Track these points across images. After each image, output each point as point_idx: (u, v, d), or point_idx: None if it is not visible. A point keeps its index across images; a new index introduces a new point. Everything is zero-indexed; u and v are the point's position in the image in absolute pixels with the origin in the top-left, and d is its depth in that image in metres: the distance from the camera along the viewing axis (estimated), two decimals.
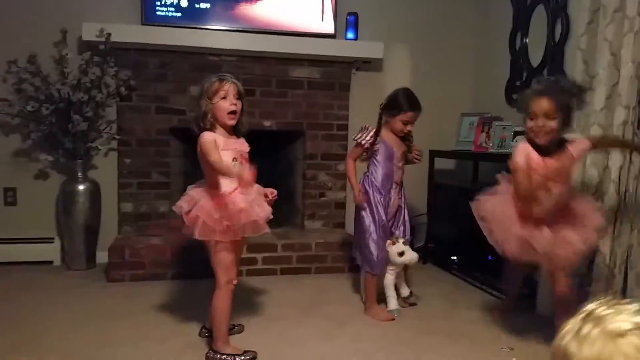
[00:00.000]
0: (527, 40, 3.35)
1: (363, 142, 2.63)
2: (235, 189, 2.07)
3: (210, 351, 2.12)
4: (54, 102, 3.08)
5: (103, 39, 3.07)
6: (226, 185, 2.08)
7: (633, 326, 0.58)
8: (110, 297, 2.79)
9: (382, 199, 2.63)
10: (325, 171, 3.70)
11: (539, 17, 3.21)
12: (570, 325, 0.65)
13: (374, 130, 2.63)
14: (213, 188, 2.09)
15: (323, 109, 3.64)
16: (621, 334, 0.57)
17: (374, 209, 2.62)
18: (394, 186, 2.66)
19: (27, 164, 3.30)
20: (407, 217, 2.76)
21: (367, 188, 2.64)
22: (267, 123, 3.54)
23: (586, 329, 0.61)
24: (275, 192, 2.22)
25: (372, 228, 2.61)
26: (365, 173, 2.70)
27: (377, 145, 2.62)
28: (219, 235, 2.03)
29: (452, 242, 3.52)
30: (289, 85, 3.57)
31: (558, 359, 0.63)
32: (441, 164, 3.67)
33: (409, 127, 2.61)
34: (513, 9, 3.46)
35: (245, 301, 2.77)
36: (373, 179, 2.65)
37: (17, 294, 2.77)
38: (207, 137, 2.04)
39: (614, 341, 0.57)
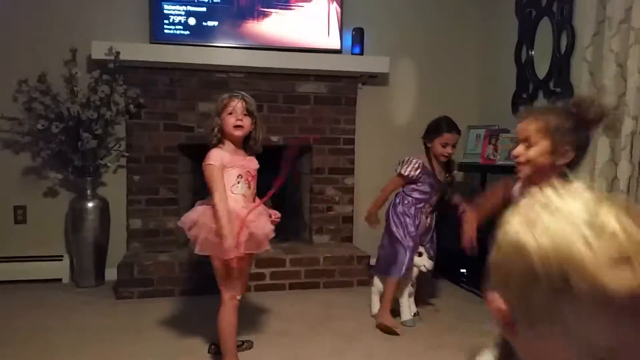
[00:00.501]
0: (533, 52, 3.36)
1: (408, 174, 2.71)
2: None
3: None
4: (64, 120, 3.12)
5: (112, 57, 3.11)
6: (233, 202, 2.11)
7: (588, 213, 0.52)
8: (119, 314, 2.79)
9: (411, 221, 2.72)
10: (333, 185, 3.70)
11: (545, 29, 3.22)
12: (513, 217, 0.58)
13: (420, 162, 2.72)
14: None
15: (330, 123, 3.66)
16: (574, 222, 0.52)
17: (404, 224, 2.71)
18: (426, 208, 2.76)
19: (37, 181, 3.32)
20: (435, 239, 2.86)
21: (396, 212, 2.75)
22: (274, 138, 3.55)
23: (537, 215, 0.55)
24: (279, 215, 2.27)
25: (403, 238, 2.69)
26: (398, 194, 2.79)
27: (422, 177, 2.72)
28: (219, 251, 2.04)
29: (461, 254, 3.49)
30: (295, 101, 3.59)
31: (506, 258, 0.56)
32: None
33: (448, 150, 2.72)
34: (518, 22, 3.48)
35: (254, 317, 2.76)
36: (406, 202, 2.74)
37: (26, 311, 2.78)
38: (213, 158, 2.09)
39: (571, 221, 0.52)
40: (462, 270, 3.41)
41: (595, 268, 0.49)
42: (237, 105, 2.13)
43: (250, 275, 3.19)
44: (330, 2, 3.58)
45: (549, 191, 0.57)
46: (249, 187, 2.19)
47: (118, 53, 3.11)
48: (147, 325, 2.62)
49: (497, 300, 0.57)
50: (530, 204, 0.57)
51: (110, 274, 3.23)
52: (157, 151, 3.39)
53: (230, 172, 2.13)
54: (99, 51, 3.13)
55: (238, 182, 2.14)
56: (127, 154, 3.35)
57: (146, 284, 3.07)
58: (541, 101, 3.26)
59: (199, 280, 3.11)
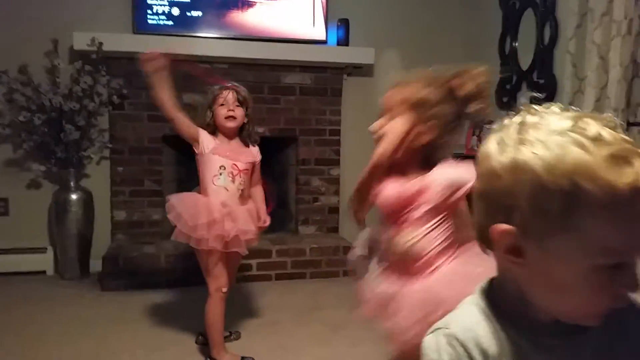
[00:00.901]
0: (517, 43, 3.39)
1: None
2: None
3: (208, 358, 2.13)
4: (46, 111, 3.07)
5: (95, 48, 3.06)
6: (214, 194, 2.09)
7: (572, 122, 0.56)
8: (105, 306, 2.78)
9: None
10: (319, 176, 3.71)
11: (528, 20, 3.25)
12: (495, 144, 0.59)
13: None
14: (202, 193, 2.13)
15: (315, 114, 3.66)
16: (563, 132, 0.55)
17: None
18: None
19: (19, 173, 3.28)
20: None
21: None
22: (259, 129, 3.54)
23: (527, 133, 0.57)
24: (268, 222, 2.25)
25: None
26: None
27: None
28: (194, 243, 2.04)
29: None
30: (281, 92, 3.58)
31: (508, 181, 0.56)
32: None
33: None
34: (502, 13, 3.50)
35: (241, 308, 2.77)
36: None
37: (11, 304, 2.75)
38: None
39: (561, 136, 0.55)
40: None
41: (599, 169, 0.52)
42: (228, 96, 2.11)
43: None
44: None
45: (527, 114, 0.60)
46: (233, 182, 2.13)
47: (101, 44, 3.07)
48: (133, 317, 2.61)
49: (501, 227, 0.58)
50: (509, 128, 0.60)
51: (95, 265, 3.21)
52: (141, 142, 3.36)
53: (212, 159, 2.10)
54: (81, 42, 3.08)
55: (220, 174, 2.10)
56: (110, 146, 3.32)
57: (132, 276, 3.06)
58: (524, 92, 3.30)
59: (185, 272, 3.10)
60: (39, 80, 3.10)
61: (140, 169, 3.37)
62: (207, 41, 3.36)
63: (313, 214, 3.71)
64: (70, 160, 3.20)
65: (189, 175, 3.81)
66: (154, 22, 3.31)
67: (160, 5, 3.31)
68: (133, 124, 3.33)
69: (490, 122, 3.18)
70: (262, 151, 3.75)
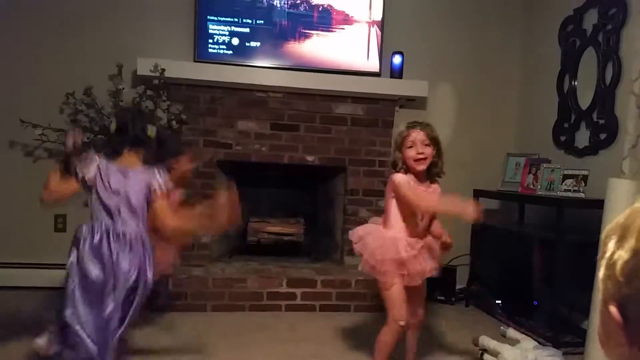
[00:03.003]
0: (576, 82, 3.31)
1: None
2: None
3: None
4: (108, 133, 3.19)
5: (157, 74, 3.18)
6: (397, 228, 2.13)
7: None
8: (153, 326, 2.81)
9: None
10: (366, 207, 3.69)
11: (589, 58, 3.18)
12: None
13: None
14: (385, 226, 2.17)
15: (365, 145, 3.66)
16: None
17: None
18: None
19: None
20: None
21: None
22: (309, 158, 3.58)
23: None
24: (449, 240, 2.21)
25: None
26: None
27: None
28: (380, 276, 2.10)
29: (497, 284, 3.44)
30: (332, 122, 3.60)
31: None
32: (485, 204, 3.62)
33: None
34: (561, 50, 3.44)
35: (284, 338, 2.76)
36: None
37: None
38: (400, 177, 2.12)
39: None
40: (497, 301, 3.34)
41: None
42: (417, 137, 2.11)
43: (281, 294, 3.22)
44: (371, 25, 3.61)
45: None
46: (422, 219, 2.17)
47: (163, 70, 3.18)
48: (181, 339, 2.63)
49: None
50: None
51: None
52: (196, 167, 3.43)
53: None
54: (144, 67, 3.21)
55: (415, 212, 2.13)
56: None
57: (179, 298, 3.10)
58: (583, 132, 3.21)
59: (230, 297, 3.13)
60: (102, 102, 3.23)
61: (194, 193, 3.43)
62: (263, 71, 3.43)
63: None
64: None
65: (242, 198, 3.88)
66: (214, 50, 3.42)
67: (221, 35, 3.42)
68: (189, 149, 3.41)
69: (548, 161, 3.12)
70: (312, 180, 3.79)
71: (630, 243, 0.54)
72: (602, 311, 0.59)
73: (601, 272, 0.58)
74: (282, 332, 2.86)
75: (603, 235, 0.60)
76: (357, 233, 2.21)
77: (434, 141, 2.13)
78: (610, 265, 0.56)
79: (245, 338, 2.72)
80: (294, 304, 3.24)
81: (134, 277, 1.78)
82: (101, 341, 1.73)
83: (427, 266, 2.14)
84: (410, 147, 2.10)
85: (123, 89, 3.25)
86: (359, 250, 2.16)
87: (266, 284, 3.22)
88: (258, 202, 3.96)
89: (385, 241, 2.11)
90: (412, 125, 2.15)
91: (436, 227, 2.25)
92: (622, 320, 0.54)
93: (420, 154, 2.09)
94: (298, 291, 3.26)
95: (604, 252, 0.57)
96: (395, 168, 2.15)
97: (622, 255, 0.54)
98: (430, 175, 2.17)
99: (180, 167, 2.39)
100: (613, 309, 0.55)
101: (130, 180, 1.88)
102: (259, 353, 2.53)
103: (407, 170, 2.14)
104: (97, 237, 1.80)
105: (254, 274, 3.29)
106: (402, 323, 2.10)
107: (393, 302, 2.11)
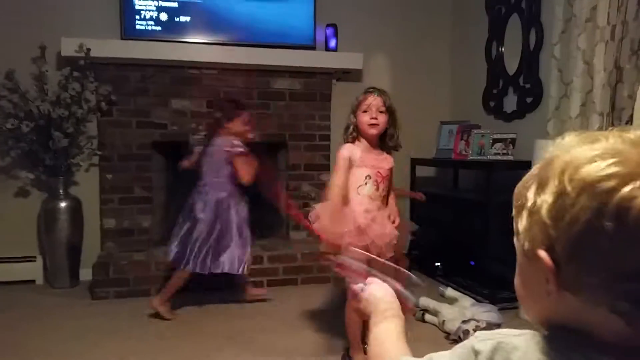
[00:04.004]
0: (503, 49, 3.43)
1: None
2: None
3: (347, 357, 2.19)
4: (34, 119, 3.05)
5: (82, 54, 3.05)
6: (358, 202, 2.11)
7: None
8: (96, 314, 2.76)
9: None
10: (308, 181, 3.71)
11: (514, 26, 3.29)
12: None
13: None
14: (344, 203, 2.13)
15: (304, 119, 3.66)
16: None
17: None
18: None
19: (7, 182, 3.25)
20: None
21: None
22: (249, 135, 3.54)
23: None
24: (398, 221, 2.21)
25: None
26: None
27: None
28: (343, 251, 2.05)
29: (436, 248, 3.57)
30: (270, 97, 3.58)
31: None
32: (422, 171, 3.73)
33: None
34: (488, 18, 3.54)
35: (233, 315, 2.77)
36: None
37: (0, 313, 2.73)
38: (343, 152, 2.12)
39: None
40: (437, 264, 3.48)
41: None
42: (373, 102, 2.10)
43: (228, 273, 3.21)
44: None
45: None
46: (377, 189, 2.15)
47: (89, 50, 3.05)
48: (124, 325, 2.60)
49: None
50: None
51: (85, 274, 3.20)
52: (130, 149, 3.34)
53: (359, 171, 2.11)
54: (69, 48, 3.06)
55: (366, 183, 2.12)
56: (99, 153, 3.30)
57: (122, 284, 3.04)
58: (511, 97, 3.34)
59: None
60: (26, 87, 3.08)
61: (130, 176, 3.35)
62: (195, 47, 3.35)
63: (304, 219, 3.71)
64: (58, 168, 3.18)
65: (178, 182, 3.81)
66: (142, 27, 3.30)
67: (148, 10, 3.30)
68: (122, 131, 3.31)
69: (479, 127, 3.23)
70: (253, 157, 3.76)
71: (552, 187, 0.55)
72: (522, 264, 0.61)
73: (523, 223, 0.59)
74: (229, 309, 2.86)
75: (515, 192, 0.62)
76: (314, 212, 2.19)
77: (389, 110, 2.14)
78: (534, 211, 0.57)
79: (190, 317, 2.71)
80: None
81: None
82: None
83: (387, 229, 2.13)
84: (365, 111, 2.11)
85: (47, 71, 3.12)
86: (318, 229, 2.12)
87: None
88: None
89: (341, 215, 2.10)
90: (369, 91, 2.15)
91: (392, 198, 2.28)
92: (553, 264, 0.55)
93: (373, 118, 2.10)
94: None
95: (523, 204, 0.59)
96: (346, 132, 2.17)
97: (546, 199, 0.55)
98: (384, 146, 2.18)
99: (236, 128, 2.78)
100: (543, 254, 0.55)
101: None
102: (206, 331, 2.53)
103: (357, 136, 2.14)
104: None
105: None
106: None
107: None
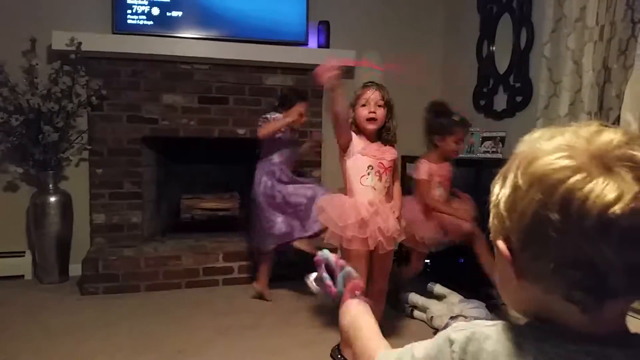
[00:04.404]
0: (494, 48, 3.45)
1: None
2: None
3: (337, 350, 2.19)
4: (24, 112, 3.03)
5: (73, 48, 3.03)
6: (361, 194, 2.11)
7: None
8: (85, 310, 2.75)
9: None
10: (301, 178, 3.71)
11: (505, 25, 3.31)
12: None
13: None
14: (347, 193, 2.15)
15: None
16: None
17: None
18: None
19: None
20: None
21: None
22: (240, 131, 3.55)
23: None
24: (398, 213, 2.21)
25: None
26: None
27: None
28: (346, 244, 2.06)
29: None
30: (262, 93, 3.58)
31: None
32: (413, 169, 3.73)
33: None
34: (480, 17, 3.56)
35: (223, 311, 2.78)
36: None
37: None
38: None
39: None
40: (426, 261, 3.49)
41: None
42: (371, 96, 2.10)
43: (219, 269, 3.22)
44: None
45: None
46: (380, 180, 2.14)
47: (80, 43, 3.04)
48: (113, 320, 2.59)
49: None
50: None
51: (75, 269, 3.18)
52: (120, 144, 3.33)
53: (361, 160, 2.11)
54: (59, 41, 3.05)
55: (368, 173, 2.11)
56: (89, 147, 3.28)
57: (111, 280, 3.03)
58: (501, 95, 3.36)
59: (165, 275, 3.10)
60: (16, 80, 3.06)
61: (120, 171, 3.34)
62: (187, 42, 3.34)
63: None
64: (48, 162, 3.16)
65: (168, 177, 3.81)
66: (134, 22, 3.28)
67: (140, 5, 3.29)
68: (112, 125, 3.30)
69: (470, 125, 3.24)
70: (245, 153, 3.77)
71: (509, 181, 0.58)
72: (495, 257, 0.63)
73: (490, 217, 0.62)
74: (219, 305, 2.87)
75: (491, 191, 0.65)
76: (318, 206, 2.19)
77: (388, 104, 2.16)
78: (496, 204, 0.60)
79: (180, 313, 2.71)
80: (231, 278, 3.25)
81: None
82: None
83: (390, 224, 2.12)
84: (364, 105, 2.12)
85: (37, 65, 3.10)
86: (322, 222, 2.15)
87: (202, 260, 3.21)
88: (190, 178, 3.89)
89: (345, 207, 2.10)
90: (368, 85, 2.16)
91: (397, 191, 2.29)
92: (510, 254, 0.58)
93: (372, 112, 2.11)
94: (235, 265, 3.27)
95: (491, 199, 0.62)
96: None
97: (505, 192, 0.59)
98: (381, 139, 2.19)
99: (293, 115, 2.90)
100: (500, 244, 0.59)
101: None
102: (196, 326, 2.54)
103: (356, 130, 2.15)
104: None
105: (188, 250, 3.25)
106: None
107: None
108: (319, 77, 1.95)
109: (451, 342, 0.63)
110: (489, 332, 0.61)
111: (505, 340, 0.59)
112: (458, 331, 0.64)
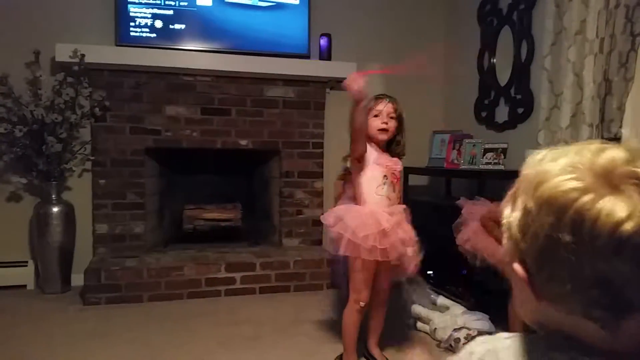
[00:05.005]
0: (495, 60, 3.47)
1: None
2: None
3: None
4: (27, 123, 3.05)
5: (77, 60, 3.06)
6: (377, 204, 2.11)
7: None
8: (87, 320, 2.75)
9: None
10: (302, 189, 3.73)
11: (506, 37, 3.34)
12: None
13: None
14: (358, 203, 2.13)
15: (298, 127, 3.69)
16: None
17: None
18: None
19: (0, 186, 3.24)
20: None
21: None
22: (243, 142, 3.56)
23: None
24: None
25: None
26: None
27: None
28: (365, 254, 2.05)
29: (429, 256, 3.58)
30: (264, 105, 3.60)
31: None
32: (415, 180, 3.75)
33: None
34: (480, 30, 3.59)
35: (224, 321, 2.77)
36: None
37: None
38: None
39: None
40: (428, 272, 3.49)
41: None
42: (384, 108, 2.13)
43: (221, 279, 3.21)
44: (299, 8, 3.61)
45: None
46: (394, 190, 2.16)
47: (83, 55, 3.07)
48: (116, 331, 2.59)
49: None
50: None
51: (77, 279, 3.18)
52: (123, 155, 3.35)
53: (377, 170, 2.12)
54: (63, 53, 3.07)
55: (384, 183, 2.12)
56: (92, 158, 3.30)
57: (114, 290, 3.03)
58: (502, 107, 3.38)
59: (167, 286, 3.10)
60: (20, 91, 3.08)
61: (122, 182, 3.36)
62: (189, 54, 3.37)
63: (297, 227, 3.73)
64: (51, 173, 3.17)
65: (170, 188, 3.82)
66: (137, 34, 3.31)
67: (143, 17, 3.32)
68: (115, 136, 3.32)
69: (471, 137, 3.27)
70: (247, 164, 3.78)
71: (519, 204, 0.60)
72: (510, 276, 0.64)
73: (504, 239, 0.63)
74: (221, 316, 2.86)
75: (500, 210, 0.66)
76: (332, 215, 2.16)
77: (399, 117, 2.18)
78: (508, 227, 0.61)
79: (182, 324, 2.71)
80: (234, 288, 3.25)
81: None
82: None
83: (407, 235, 2.14)
84: (376, 116, 2.14)
85: (41, 76, 3.12)
86: (338, 233, 2.09)
87: (204, 271, 3.21)
88: (193, 189, 3.91)
89: (364, 217, 2.08)
90: (381, 96, 2.19)
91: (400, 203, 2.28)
92: (527, 275, 0.59)
93: (384, 123, 2.13)
94: (237, 275, 3.27)
95: (503, 221, 0.63)
96: None
97: (516, 215, 0.60)
98: (390, 151, 2.21)
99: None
100: (517, 266, 0.60)
101: None
102: (197, 337, 2.53)
103: (367, 140, 2.15)
104: None
105: (191, 261, 3.26)
106: (362, 304, 2.15)
107: (359, 284, 2.13)
108: (349, 87, 1.96)
109: (471, 354, 0.65)
110: (506, 344, 0.63)
111: (518, 350, 0.61)
112: (480, 344, 0.66)
